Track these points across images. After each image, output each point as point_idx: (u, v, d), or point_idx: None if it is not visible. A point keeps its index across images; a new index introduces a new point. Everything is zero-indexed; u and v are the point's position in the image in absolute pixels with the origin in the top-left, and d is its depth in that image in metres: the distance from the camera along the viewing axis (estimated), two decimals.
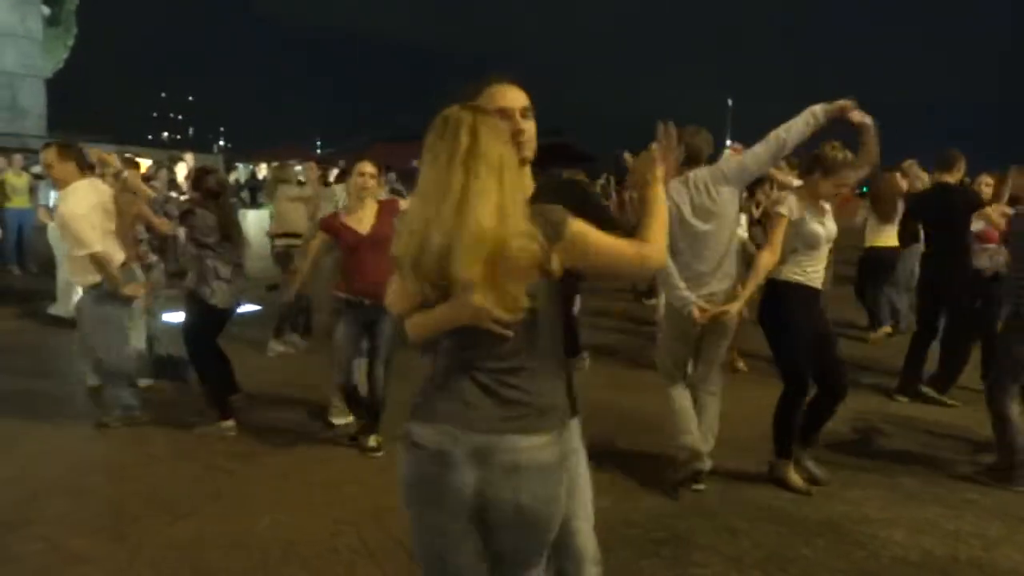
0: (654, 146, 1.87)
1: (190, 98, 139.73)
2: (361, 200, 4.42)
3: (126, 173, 5.29)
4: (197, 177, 4.99)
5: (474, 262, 1.63)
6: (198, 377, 4.90)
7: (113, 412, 4.85)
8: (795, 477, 4.00)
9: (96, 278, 4.69)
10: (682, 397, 4.08)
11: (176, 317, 5.59)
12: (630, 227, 1.83)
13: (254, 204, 12.11)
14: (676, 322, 4.00)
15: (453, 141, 1.68)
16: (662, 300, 5.02)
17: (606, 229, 1.77)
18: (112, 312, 4.82)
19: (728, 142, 8.86)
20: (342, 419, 4.87)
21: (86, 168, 4.90)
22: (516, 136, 1.90)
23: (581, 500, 2.08)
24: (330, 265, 5.64)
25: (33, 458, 4.36)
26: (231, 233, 4.81)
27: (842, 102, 3.68)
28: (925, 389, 5.68)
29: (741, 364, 6.36)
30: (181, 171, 10.09)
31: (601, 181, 14.09)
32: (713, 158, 4.17)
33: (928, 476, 4.27)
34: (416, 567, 1.93)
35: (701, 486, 3.97)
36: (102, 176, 5.28)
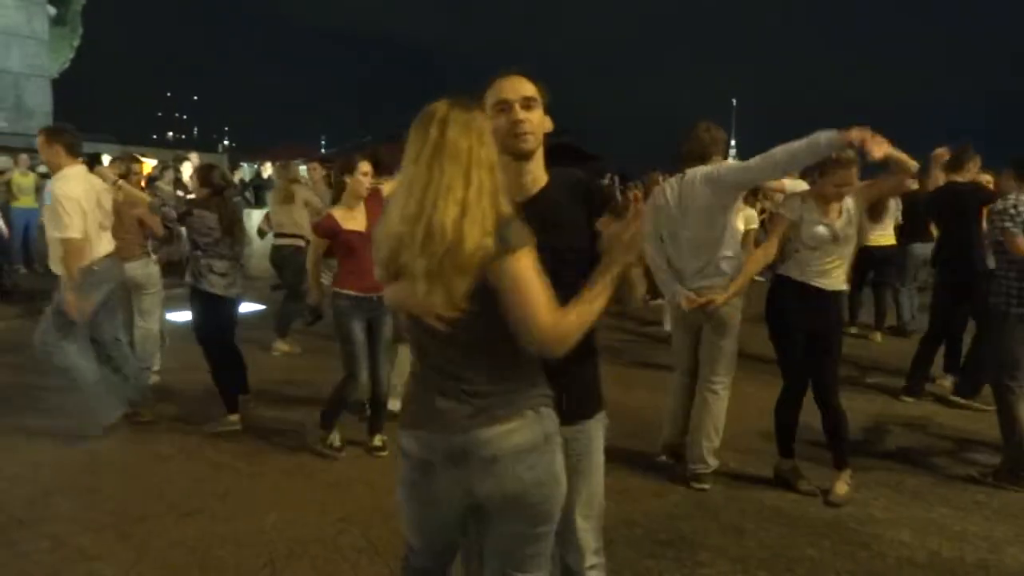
0: (634, 224, 1.75)
1: (195, 98, 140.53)
2: (360, 200, 4.43)
3: (121, 182, 5.41)
4: (203, 173, 5.05)
5: (423, 254, 1.64)
6: (210, 372, 4.92)
7: (125, 405, 4.85)
8: (800, 478, 3.99)
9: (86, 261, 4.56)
10: (676, 389, 4.25)
11: (183, 316, 5.59)
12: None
13: (259, 203, 12.09)
14: (674, 309, 4.15)
15: (424, 135, 1.70)
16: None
17: (611, 215, 1.82)
18: (101, 296, 4.73)
19: (732, 141, 8.87)
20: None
21: (80, 154, 4.83)
22: (514, 128, 1.88)
23: (584, 494, 2.05)
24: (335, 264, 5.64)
25: (41, 456, 4.38)
26: (234, 229, 4.84)
27: (853, 134, 3.26)
28: (953, 397, 5.62)
29: None
30: (187, 170, 10.13)
31: (606, 181, 14.08)
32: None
33: (934, 477, 4.26)
34: None
35: (706, 486, 3.97)
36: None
